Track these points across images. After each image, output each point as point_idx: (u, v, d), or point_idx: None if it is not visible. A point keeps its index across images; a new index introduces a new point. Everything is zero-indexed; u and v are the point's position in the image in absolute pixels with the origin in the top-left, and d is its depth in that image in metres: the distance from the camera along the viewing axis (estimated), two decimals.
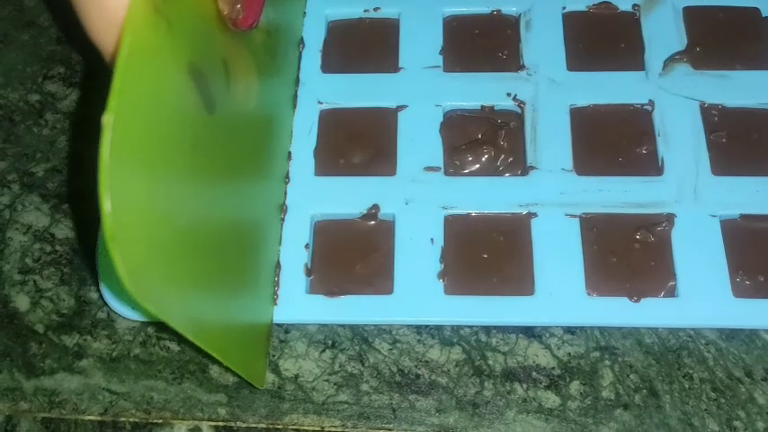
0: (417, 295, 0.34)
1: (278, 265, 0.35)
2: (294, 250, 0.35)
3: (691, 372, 0.33)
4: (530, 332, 0.34)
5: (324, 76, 0.40)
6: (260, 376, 0.33)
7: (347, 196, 0.36)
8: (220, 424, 0.33)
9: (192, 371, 0.34)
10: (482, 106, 0.38)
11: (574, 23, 0.40)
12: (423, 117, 0.38)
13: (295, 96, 0.39)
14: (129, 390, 0.34)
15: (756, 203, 0.35)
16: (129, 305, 0.34)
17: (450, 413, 0.33)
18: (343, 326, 0.35)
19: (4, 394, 0.34)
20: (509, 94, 0.38)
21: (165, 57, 0.21)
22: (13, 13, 0.45)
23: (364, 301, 0.34)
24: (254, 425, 0.33)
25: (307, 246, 0.35)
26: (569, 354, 0.34)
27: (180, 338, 0.35)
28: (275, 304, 0.34)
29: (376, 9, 0.41)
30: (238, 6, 0.26)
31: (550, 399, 0.33)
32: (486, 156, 0.37)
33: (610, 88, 0.38)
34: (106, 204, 0.18)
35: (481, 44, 0.40)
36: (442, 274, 0.34)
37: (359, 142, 0.38)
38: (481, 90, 0.39)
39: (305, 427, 0.33)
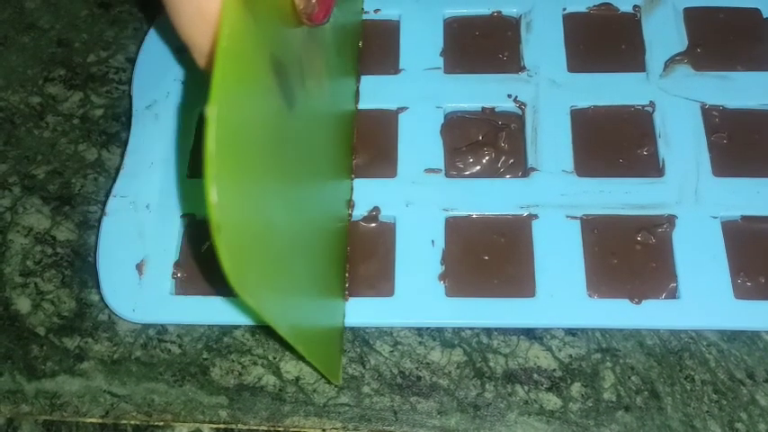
0: (418, 297, 0.34)
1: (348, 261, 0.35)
2: None
3: (692, 373, 0.33)
4: (531, 334, 0.34)
5: None
6: (337, 372, 0.33)
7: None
8: (221, 426, 0.33)
9: (194, 373, 0.34)
10: (483, 108, 0.38)
11: (574, 25, 0.40)
12: (423, 119, 0.38)
13: (357, 92, 0.39)
14: (131, 392, 0.34)
15: (757, 205, 0.35)
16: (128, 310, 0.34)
17: (451, 415, 0.33)
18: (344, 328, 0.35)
19: (6, 397, 0.34)
20: (510, 96, 0.38)
21: (254, 50, 0.22)
22: (14, 15, 0.45)
23: (365, 304, 0.34)
24: (255, 427, 0.33)
25: None
26: (570, 355, 0.34)
27: (180, 340, 0.35)
28: (347, 300, 0.34)
29: (376, 11, 0.41)
30: (313, 1, 0.26)
31: (552, 401, 0.33)
32: (486, 157, 0.37)
33: (610, 89, 0.38)
34: (213, 195, 0.18)
35: (482, 45, 0.40)
36: (442, 276, 0.34)
37: (359, 144, 0.38)
38: (482, 91, 0.39)
39: (306, 430, 0.33)
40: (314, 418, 0.33)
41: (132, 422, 0.33)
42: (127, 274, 0.35)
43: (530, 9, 0.41)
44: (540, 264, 0.34)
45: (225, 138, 0.18)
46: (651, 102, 0.38)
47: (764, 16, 0.40)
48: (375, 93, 0.39)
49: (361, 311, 0.34)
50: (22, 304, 0.36)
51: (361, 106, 0.39)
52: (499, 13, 0.41)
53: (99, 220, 0.37)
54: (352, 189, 0.36)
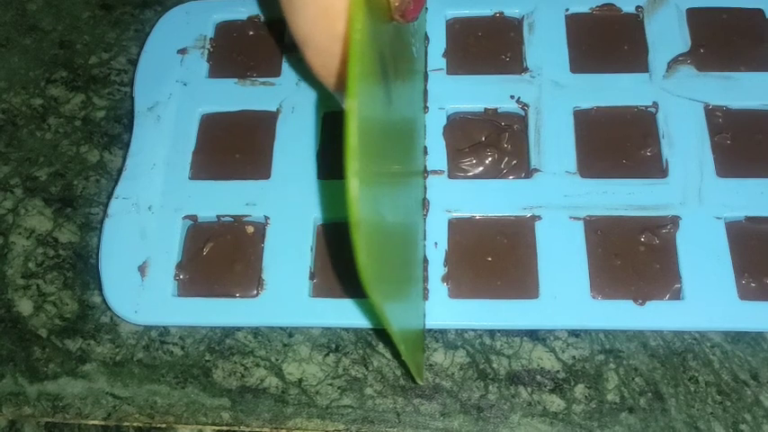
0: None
1: (425, 260, 0.35)
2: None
3: (696, 375, 0.33)
4: (534, 335, 0.34)
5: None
6: (422, 371, 0.33)
7: None
8: (224, 428, 0.33)
9: (196, 375, 0.34)
10: (485, 109, 0.38)
11: (577, 25, 0.40)
12: (426, 120, 0.38)
13: (425, 92, 0.39)
14: (133, 394, 0.34)
15: (761, 205, 0.35)
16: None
17: (454, 417, 0.33)
18: (346, 329, 0.35)
19: (8, 399, 0.34)
20: (512, 97, 0.38)
21: (372, 46, 0.22)
22: (16, 17, 0.45)
23: (367, 306, 0.34)
24: (257, 429, 0.33)
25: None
26: (574, 357, 0.33)
27: (183, 342, 0.35)
28: (426, 299, 0.34)
29: None
30: None
31: (555, 402, 0.33)
32: (489, 158, 0.37)
33: (613, 90, 0.38)
34: (354, 189, 0.18)
35: (484, 46, 0.40)
36: (445, 278, 0.34)
37: None
38: (484, 93, 0.38)
39: None
40: (316, 420, 0.33)
41: (135, 424, 0.33)
42: (129, 276, 0.35)
43: (532, 10, 0.40)
44: (543, 265, 0.34)
45: (362, 131, 0.18)
46: (654, 102, 0.38)
47: (767, 17, 0.40)
48: None
49: (362, 313, 0.34)
50: (24, 306, 0.36)
51: None
52: (501, 13, 0.41)
53: (101, 222, 0.37)
54: (425, 188, 0.36)
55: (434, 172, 0.36)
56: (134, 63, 0.42)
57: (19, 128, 0.41)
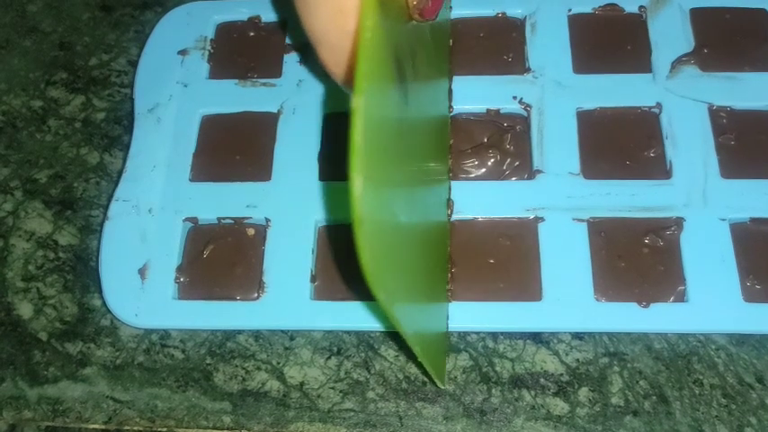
0: None
1: (450, 261, 0.34)
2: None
3: (701, 377, 0.33)
4: (537, 338, 0.34)
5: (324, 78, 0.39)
6: (443, 375, 0.32)
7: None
8: None
9: (197, 378, 0.34)
10: (488, 109, 0.38)
11: (580, 25, 0.40)
12: None
13: (450, 91, 0.38)
14: (133, 398, 0.34)
15: (766, 206, 0.35)
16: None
17: (457, 421, 0.32)
18: (348, 332, 0.34)
19: (8, 402, 0.34)
20: (515, 98, 0.38)
21: (385, 44, 0.22)
22: (16, 18, 0.45)
23: (369, 308, 0.34)
24: None
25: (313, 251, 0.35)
26: (578, 360, 0.33)
27: (184, 345, 0.34)
28: (450, 300, 0.34)
29: None
30: None
31: (559, 405, 0.32)
32: (492, 159, 0.37)
33: (617, 91, 0.38)
34: (358, 187, 0.18)
35: (486, 47, 0.40)
36: (448, 280, 0.34)
37: None
38: (487, 93, 0.38)
39: None
40: (318, 424, 0.33)
41: (135, 428, 0.33)
42: (129, 279, 0.35)
43: (535, 10, 0.40)
44: (546, 267, 0.34)
45: (368, 130, 0.18)
46: (658, 103, 0.37)
47: None
48: None
49: (364, 315, 0.33)
50: (24, 309, 0.36)
51: None
52: (504, 14, 0.41)
53: (101, 225, 0.37)
54: (450, 189, 0.36)
55: None
56: (134, 64, 0.42)
57: (19, 130, 0.41)
